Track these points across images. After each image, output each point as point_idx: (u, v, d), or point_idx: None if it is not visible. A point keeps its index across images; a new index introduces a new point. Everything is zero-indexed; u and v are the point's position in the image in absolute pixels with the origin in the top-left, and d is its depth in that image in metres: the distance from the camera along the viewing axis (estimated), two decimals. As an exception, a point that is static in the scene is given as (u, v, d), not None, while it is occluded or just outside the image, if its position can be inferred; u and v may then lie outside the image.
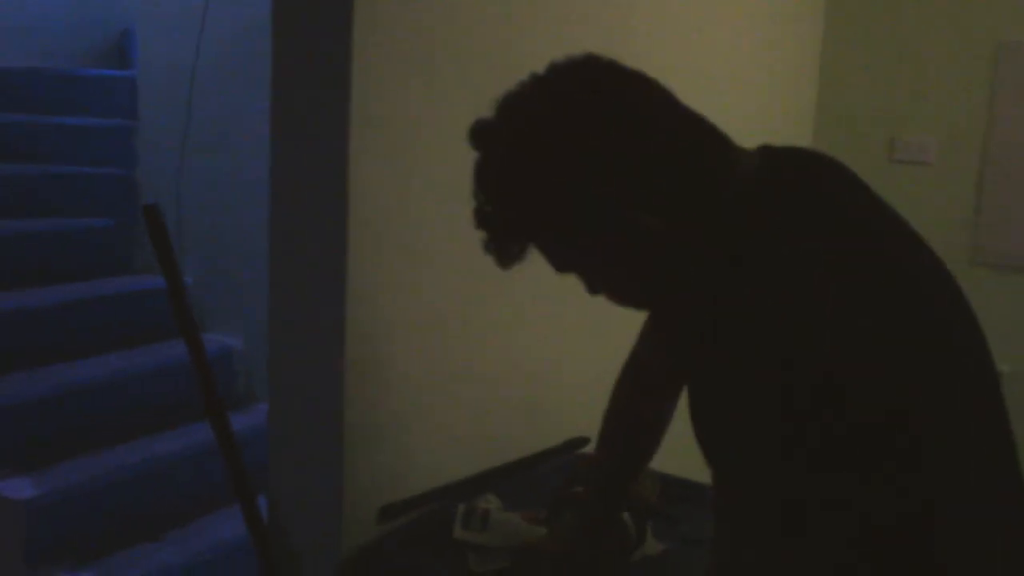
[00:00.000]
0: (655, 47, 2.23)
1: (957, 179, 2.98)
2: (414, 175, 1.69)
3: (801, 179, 1.01)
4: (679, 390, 1.39)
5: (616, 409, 1.45)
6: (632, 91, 1.01)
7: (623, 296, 1.09)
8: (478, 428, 1.90)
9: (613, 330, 2.26)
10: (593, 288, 1.10)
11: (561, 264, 1.08)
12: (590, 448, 2.07)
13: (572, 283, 2.16)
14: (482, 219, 1.04)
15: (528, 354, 2.03)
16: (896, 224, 1.01)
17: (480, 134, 1.04)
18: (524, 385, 2.02)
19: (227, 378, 3.19)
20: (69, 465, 2.68)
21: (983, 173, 2.95)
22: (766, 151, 1.05)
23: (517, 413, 2.01)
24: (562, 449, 2.09)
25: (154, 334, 3.23)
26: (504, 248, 1.06)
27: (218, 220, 3.20)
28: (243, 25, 3.01)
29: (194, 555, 2.61)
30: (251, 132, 3.05)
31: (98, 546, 2.57)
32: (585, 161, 0.97)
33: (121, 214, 3.42)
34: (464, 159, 1.78)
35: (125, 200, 3.43)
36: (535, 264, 2.07)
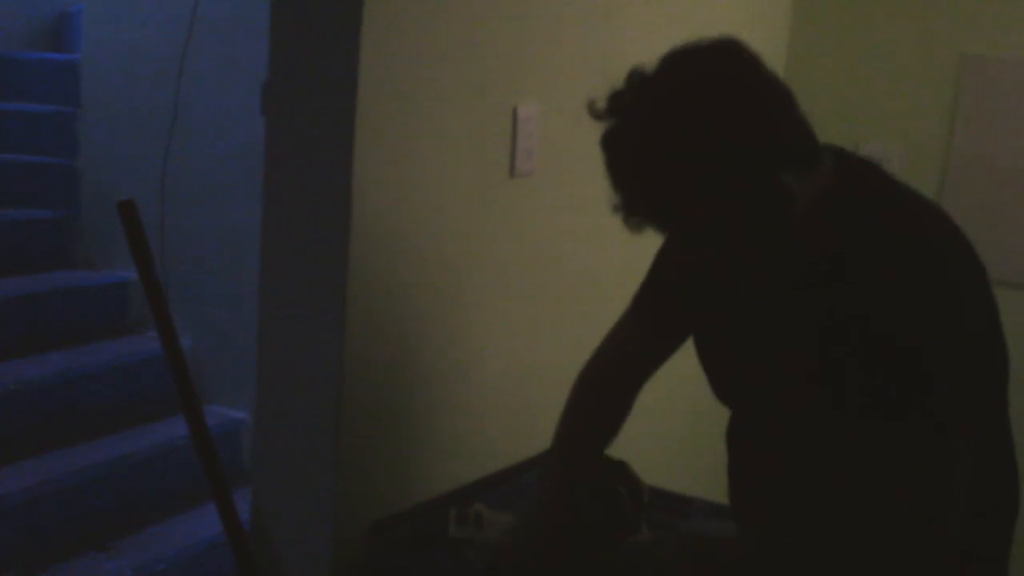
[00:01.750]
0: (636, 48, 2.20)
1: (919, 188, 3.02)
2: (415, 176, 1.62)
3: (867, 175, 1.24)
4: (639, 389, 1.50)
5: (579, 405, 1.49)
6: (758, 77, 1.15)
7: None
8: (473, 435, 1.85)
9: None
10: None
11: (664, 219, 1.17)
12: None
13: (570, 293, 2.13)
14: (618, 183, 1.15)
15: (522, 360, 1.98)
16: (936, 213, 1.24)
17: (619, 107, 1.15)
18: (518, 391, 1.97)
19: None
20: (6, 472, 2.54)
21: (944, 183, 2.99)
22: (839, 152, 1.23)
23: (512, 419, 1.97)
24: (540, 459, 2.06)
25: (98, 332, 3.09)
26: (632, 207, 1.15)
27: (179, 214, 3.06)
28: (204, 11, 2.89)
29: (144, 566, 2.49)
30: (211, 120, 2.95)
31: (37, 558, 2.43)
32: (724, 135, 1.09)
33: (63, 205, 3.26)
34: (464, 159, 1.75)
35: (67, 191, 3.27)
36: (533, 275, 2.02)
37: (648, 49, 2.27)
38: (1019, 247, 2.88)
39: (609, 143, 1.15)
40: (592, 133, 2.12)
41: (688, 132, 1.08)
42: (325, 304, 1.54)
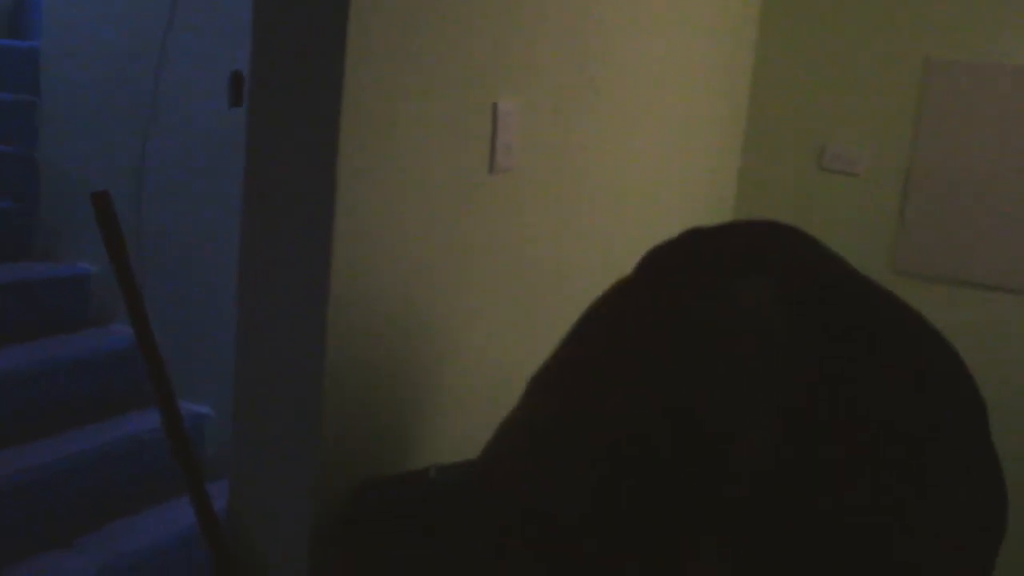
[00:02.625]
0: (615, 45, 2.21)
1: (883, 190, 3.07)
2: (397, 171, 1.61)
3: None
4: None
5: None
6: None
7: None
8: (450, 429, 1.84)
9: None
10: None
11: None
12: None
13: (548, 289, 2.13)
14: None
15: (499, 355, 1.98)
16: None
17: None
18: (494, 386, 1.97)
19: (140, 374, 3.01)
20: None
21: (908, 186, 3.04)
22: None
23: (488, 415, 1.96)
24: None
25: (58, 325, 3.03)
26: None
27: (142, 207, 3.02)
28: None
29: (109, 562, 2.45)
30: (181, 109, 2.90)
31: (-1, 555, 2.38)
32: None
33: (21, 196, 3.19)
34: (444, 154, 1.74)
35: (26, 181, 3.20)
36: (511, 270, 2.00)
37: (626, 46, 2.29)
38: (982, 249, 2.94)
39: None
40: (571, 130, 2.14)
41: None
42: (307, 299, 1.52)
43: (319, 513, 1.57)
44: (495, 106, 1.83)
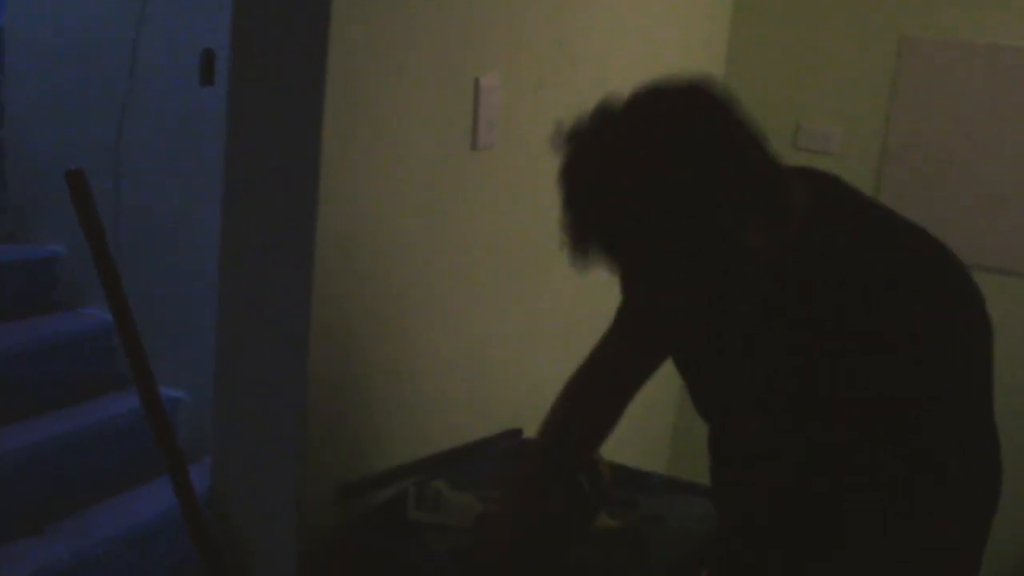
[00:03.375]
0: (592, 24, 2.19)
1: (857, 169, 3.07)
2: (381, 148, 1.59)
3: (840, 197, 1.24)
4: (624, 404, 1.49)
5: (571, 404, 1.48)
6: (727, 122, 1.10)
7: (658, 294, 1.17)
8: (432, 411, 1.83)
9: (559, 335, 2.25)
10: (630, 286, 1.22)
11: (622, 265, 1.13)
12: (526, 437, 2.05)
13: (530, 267, 2.12)
14: (570, 222, 1.10)
15: (481, 333, 1.96)
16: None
17: (581, 139, 1.09)
18: (476, 365, 1.96)
19: (109, 357, 2.96)
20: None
21: (883, 165, 3.05)
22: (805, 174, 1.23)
23: (471, 395, 1.95)
24: (497, 439, 2.05)
25: (25, 309, 2.96)
26: (578, 249, 1.10)
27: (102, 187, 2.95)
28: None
29: (82, 549, 2.40)
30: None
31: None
32: (683, 179, 1.04)
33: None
34: (427, 131, 1.71)
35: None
36: (494, 248, 2.01)
37: (603, 25, 2.27)
38: (956, 227, 2.96)
39: (567, 173, 1.11)
40: (552, 106, 2.12)
41: (646, 172, 1.04)
42: (291, 278, 1.49)
43: (303, 500, 1.55)
44: (477, 81, 1.80)
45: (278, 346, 1.53)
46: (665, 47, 2.67)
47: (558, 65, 2.08)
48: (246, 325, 1.56)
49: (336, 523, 1.60)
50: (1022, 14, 2.82)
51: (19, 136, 3.14)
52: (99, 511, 2.58)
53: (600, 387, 1.49)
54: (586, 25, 2.18)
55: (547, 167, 2.13)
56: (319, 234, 1.47)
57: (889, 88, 3.02)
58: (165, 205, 2.87)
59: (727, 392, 1.27)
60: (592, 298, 2.37)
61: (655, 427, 2.84)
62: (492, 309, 2.00)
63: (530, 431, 2.06)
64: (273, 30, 1.48)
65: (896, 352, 1.06)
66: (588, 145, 1.08)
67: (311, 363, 1.51)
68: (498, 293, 2.01)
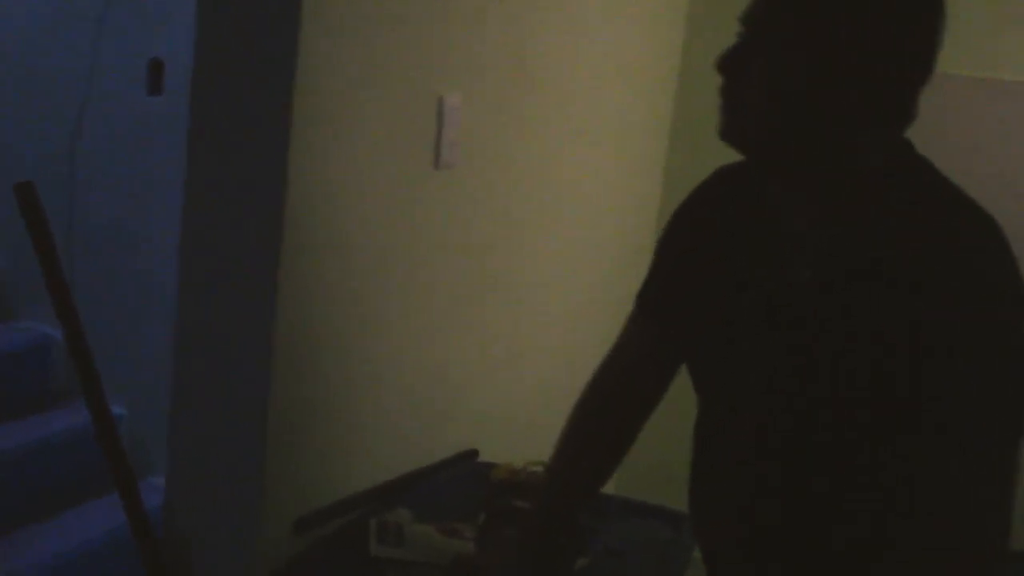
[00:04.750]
0: (552, 41, 2.19)
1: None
2: (344, 167, 1.56)
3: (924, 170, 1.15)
4: (648, 415, 1.37)
5: (583, 428, 1.37)
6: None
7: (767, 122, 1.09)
8: (392, 435, 1.80)
9: (513, 356, 2.24)
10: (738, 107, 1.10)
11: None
12: (481, 458, 2.03)
13: (491, 288, 2.10)
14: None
15: (439, 357, 1.94)
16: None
17: None
18: (434, 388, 1.93)
19: (44, 373, 2.87)
20: None
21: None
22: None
23: (428, 421, 1.92)
24: (454, 460, 2.02)
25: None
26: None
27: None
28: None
29: (15, 572, 2.32)
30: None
31: None
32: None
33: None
34: (390, 149, 1.69)
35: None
36: (455, 269, 1.98)
37: (562, 42, 2.27)
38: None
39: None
40: (512, 126, 2.11)
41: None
42: (254, 298, 1.46)
43: (261, 529, 1.51)
44: (441, 100, 1.79)
45: (238, 365, 1.49)
46: (619, 71, 2.69)
47: (518, 84, 2.08)
48: (205, 345, 1.52)
49: (296, 553, 1.56)
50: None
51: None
52: (34, 533, 2.49)
53: (612, 398, 1.37)
54: (546, 45, 2.18)
55: (506, 187, 2.14)
56: (283, 256, 1.44)
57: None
58: (109, 215, 2.80)
59: (741, 368, 1.17)
60: (545, 320, 2.37)
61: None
62: (450, 330, 1.98)
63: (485, 451, 2.05)
64: (240, 44, 1.44)
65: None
66: None
67: (273, 385, 1.48)
68: (456, 314, 1.99)
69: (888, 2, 1.04)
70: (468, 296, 2.00)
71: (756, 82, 1.06)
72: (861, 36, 1.02)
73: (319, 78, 1.47)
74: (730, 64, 1.09)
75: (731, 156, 1.16)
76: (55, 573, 2.40)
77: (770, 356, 1.14)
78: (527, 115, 2.15)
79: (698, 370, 1.27)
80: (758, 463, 1.17)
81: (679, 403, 1.38)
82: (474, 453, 2.07)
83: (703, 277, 1.23)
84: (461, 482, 1.93)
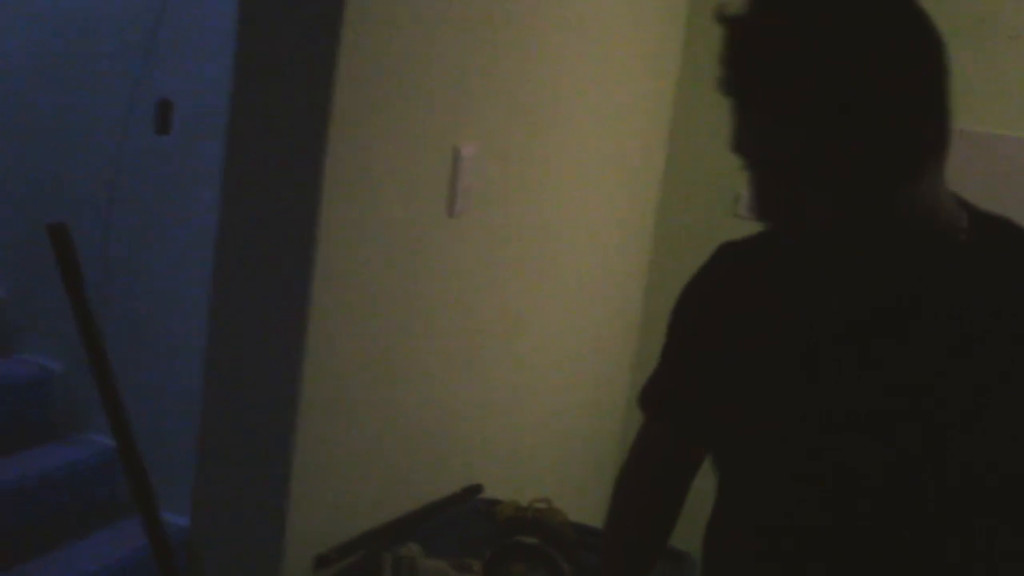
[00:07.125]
0: (563, 92, 2.26)
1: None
2: (369, 214, 1.62)
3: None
4: (683, 493, 1.30)
5: (625, 539, 1.32)
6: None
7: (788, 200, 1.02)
8: (404, 471, 1.85)
9: (527, 388, 2.29)
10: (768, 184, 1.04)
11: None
12: (485, 495, 2.08)
13: (501, 333, 2.15)
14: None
15: (451, 399, 1.99)
16: None
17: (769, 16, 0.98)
18: (446, 429, 1.98)
19: (43, 405, 2.88)
20: None
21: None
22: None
23: (434, 457, 1.97)
24: (461, 496, 2.07)
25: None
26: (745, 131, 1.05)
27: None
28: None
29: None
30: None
31: None
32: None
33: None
34: (408, 197, 1.74)
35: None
36: (468, 314, 2.03)
37: (567, 92, 2.33)
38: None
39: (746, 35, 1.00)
40: (522, 175, 2.17)
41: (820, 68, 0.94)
42: (281, 342, 1.50)
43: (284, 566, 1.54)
44: (456, 150, 1.85)
45: (264, 407, 1.54)
46: (617, 122, 2.76)
47: (525, 133, 2.15)
48: (232, 384, 1.56)
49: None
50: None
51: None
52: (33, 567, 2.50)
53: (647, 489, 1.30)
54: (553, 95, 2.25)
55: (515, 235, 2.20)
56: (313, 302, 1.49)
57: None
58: (120, 254, 2.83)
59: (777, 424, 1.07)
60: (550, 360, 2.43)
61: (607, 480, 2.88)
62: (460, 371, 2.03)
63: (490, 487, 2.10)
64: (274, 91, 1.50)
65: None
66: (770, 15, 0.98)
67: (298, 430, 1.52)
68: (467, 358, 2.04)
69: (890, 65, 0.95)
70: (474, 336, 2.06)
71: (819, 187, 0.98)
72: (891, 106, 0.95)
73: (349, 126, 1.53)
74: (779, 169, 1.02)
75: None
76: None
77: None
78: (535, 161, 2.22)
79: (723, 450, 1.20)
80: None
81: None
82: (478, 488, 2.11)
83: (718, 352, 1.16)
84: (466, 518, 1.97)
